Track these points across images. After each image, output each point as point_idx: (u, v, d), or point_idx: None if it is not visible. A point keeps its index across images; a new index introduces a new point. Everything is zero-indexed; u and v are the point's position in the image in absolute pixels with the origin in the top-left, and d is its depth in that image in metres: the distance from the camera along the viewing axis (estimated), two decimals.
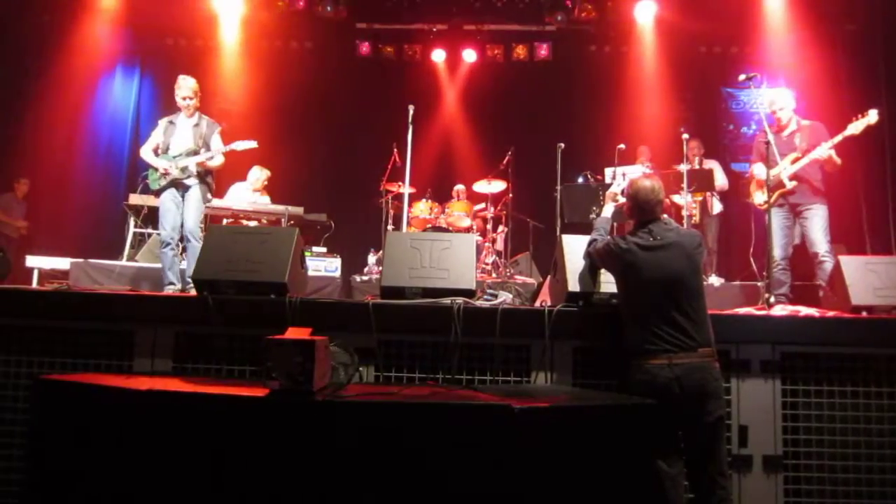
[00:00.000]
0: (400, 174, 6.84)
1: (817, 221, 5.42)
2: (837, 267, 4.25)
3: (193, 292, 4.19)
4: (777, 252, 5.43)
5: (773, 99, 5.76)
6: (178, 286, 5.62)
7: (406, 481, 2.33)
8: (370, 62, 10.27)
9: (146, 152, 5.89)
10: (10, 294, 4.06)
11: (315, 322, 2.89)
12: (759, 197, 5.64)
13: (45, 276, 7.28)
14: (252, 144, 6.13)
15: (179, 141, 5.85)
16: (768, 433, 3.67)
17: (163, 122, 6.00)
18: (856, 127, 5.25)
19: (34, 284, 7.02)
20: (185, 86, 5.88)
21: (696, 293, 3.29)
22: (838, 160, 5.39)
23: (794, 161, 5.47)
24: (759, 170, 5.57)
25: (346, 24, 10.02)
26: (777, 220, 5.48)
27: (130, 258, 7.50)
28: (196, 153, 5.79)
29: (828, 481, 3.64)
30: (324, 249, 7.64)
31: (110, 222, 8.77)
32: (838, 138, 5.32)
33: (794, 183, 5.43)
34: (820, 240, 5.37)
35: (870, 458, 3.66)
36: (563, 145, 7.28)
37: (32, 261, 7.41)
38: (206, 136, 5.88)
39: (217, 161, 5.92)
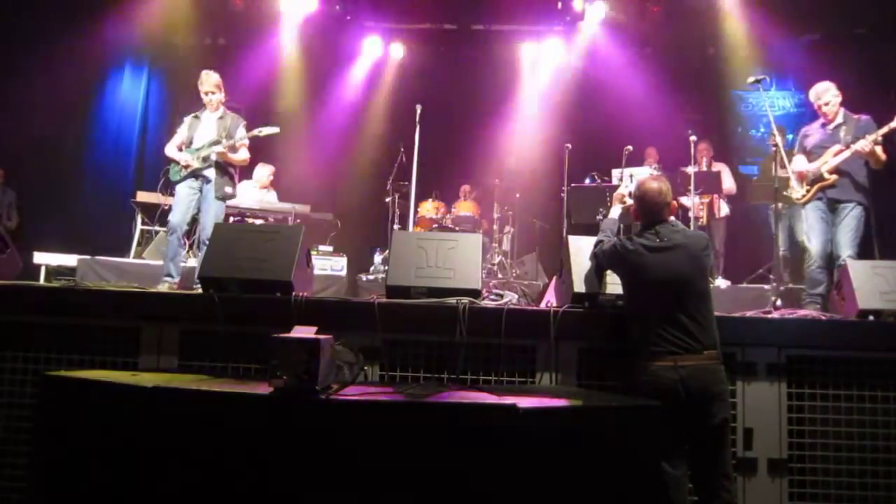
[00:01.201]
0: (407, 173, 6.85)
1: (849, 222, 5.17)
2: (844, 270, 4.22)
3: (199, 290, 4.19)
4: (815, 248, 5.27)
5: (818, 92, 5.49)
6: (176, 280, 5.56)
7: (409, 481, 2.33)
8: (378, 61, 10.29)
9: (170, 149, 5.90)
10: (16, 290, 4.07)
11: (320, 321, 2.89)
12: (796, 191, 5.43)
13: (52, 272, 7.31)
14: (275, 130, 6.11)
15: (203, 133, 5.86)
16: (773, 436, 3.65)
17: (188, 118, 6.01)
18: None
19: (41, 281, 7.05)
20: (208, 81, 5.88)
21: (703, 295, 3.28)
22: (882, 155, 5.16)
23: (836, 154, 5.26)
24: (798, 163, 5.43)
25: (353, 23, 10.04)
26: (814, 214, 5.33)
27: (137, 255, 7.54)
28: (218, 144, 5.79)
29: (833, 485, 3.62)
30: (330, 248, 7.67)
31: (118, 219, 8.79)
32: (883, 130, 5.11)
33: (833, 176, 5.23)
34: (846, 242, 5.13)
35: (875, 462, 3.63)
36: (570, 146, 7.29)
37: (40, 257, 7.45)
38: (230, 128, 5.88)
39: (241, 155, 5.93)
